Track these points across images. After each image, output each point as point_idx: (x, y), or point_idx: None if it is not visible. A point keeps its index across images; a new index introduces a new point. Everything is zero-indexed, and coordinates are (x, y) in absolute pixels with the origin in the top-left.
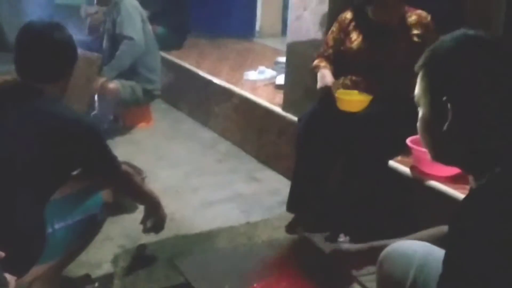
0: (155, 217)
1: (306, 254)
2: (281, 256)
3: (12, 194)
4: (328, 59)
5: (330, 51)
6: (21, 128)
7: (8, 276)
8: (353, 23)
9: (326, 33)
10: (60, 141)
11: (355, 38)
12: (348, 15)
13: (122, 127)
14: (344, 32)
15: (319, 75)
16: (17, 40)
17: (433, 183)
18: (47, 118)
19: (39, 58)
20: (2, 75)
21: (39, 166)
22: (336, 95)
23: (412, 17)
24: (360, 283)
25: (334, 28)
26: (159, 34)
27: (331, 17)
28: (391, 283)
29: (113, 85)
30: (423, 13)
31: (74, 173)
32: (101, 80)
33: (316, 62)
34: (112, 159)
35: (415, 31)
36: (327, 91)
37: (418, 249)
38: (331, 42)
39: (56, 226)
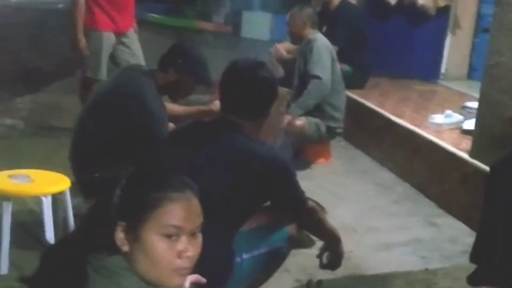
0: (333, 253)
1: None
2: None
3: (207, 223)
4: None
5: None
6: (218, 161)
7: None
8: None
9: None
10: (254, 176)
11: None
12: None
13: (302, 162)
14: None
15: None
16: (224, 76)
17: None
18: (243, 154)
19: (244, 95)
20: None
21: (232, 199)
22: None
23: None
24: None
25: None
26: (344, 72)
27: None
28: None
29: (300, 122)
30: None
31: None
32: (288, 117)
33: None
34: (301, 194)
35: None
36: None
37: None
38: None
39: (244, 257)
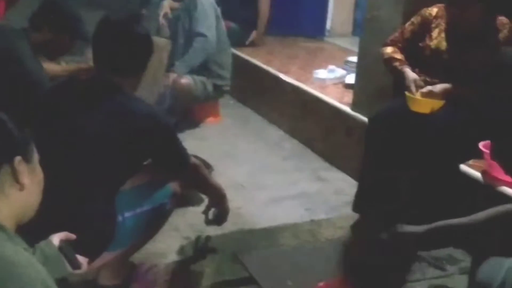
0: (219, 208)
1: (370, 253)
2: (345, 255)
3: (87, 182)
4: (402, 50)
5: (405, 43)
6: (97, 121)
7: (80, 258)
8: (437, 21)
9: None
10: (135, 134)
11: (436, 36)
12: (434, 11)
13: (191, 121)
14: (426, 28)
15: (403, 73)
16: (97, 33)
17: (505, 189)
18: (123, 112)
19: (120, 52)
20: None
21: (112, 158)
22: (408, 94)
23: (494, 23)
24: (430, 263)
25: (415, 20)
26: (230, 30)
27: (406, 17)
28: (480, 283)
29: (185, 80)
30: (504, 19)
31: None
32: (173, 75)
33: (389, 50)
34: (182, 151)
35: (495, 37)
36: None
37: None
38: (408, 34)
39: (126, 215)
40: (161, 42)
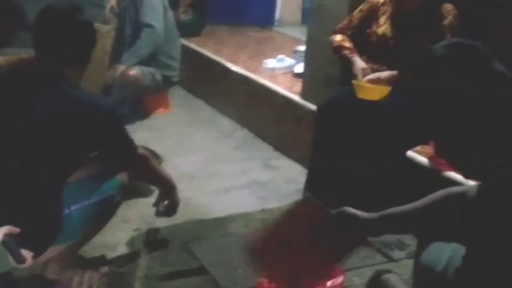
0: (169, 200)
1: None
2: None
3: (31, 176)
4: (350, 38)
5: (354, 31)
6: (42, 112)
7: (25, 252)
8: (384, 7)
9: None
10: (80, 124)
11: (383, 23)
12: None
13: (141, 113)
14: (374, 15)
15: (352, 61)
16: (39, 22)
17: (451, 174)
18: (68, 103)
19: (63, 41)
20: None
21: (58, 150)
22: (355, 82)
23: (438, 9)
24: (378, 250)
25: (363, 7)
26: (182, 21)
27: (353, 6)
28: (424, 267)
29: (133, 71)
30: (448, 5)
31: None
32: (121, 67)
33: (338, 38)
34: (130, 142)
35: (440, 24)
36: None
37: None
38: (356, 22)
39: (73, 208)
40: (104, 29)
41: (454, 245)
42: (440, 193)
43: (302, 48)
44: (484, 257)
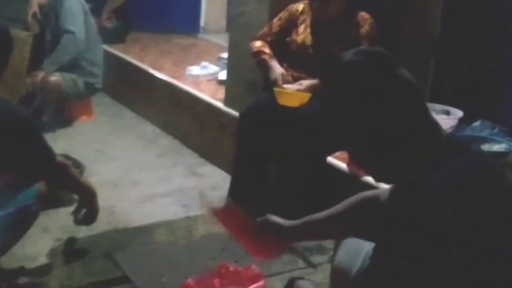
0: (88, 208)
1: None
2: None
3: None
4: (270, 44)
5: (273, 38)
6: None
7: None
8: (303, 16)
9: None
10: None
11: (302, 32)
12: (300, 7)
13: (63, 120)
14: (293, 23)
15: (271, 66)
16: None
17: (368, 178)
18: None
19: None
20: None
21: None
22: (275, 89)
23: (355, 18)
24: (300, 255)
25: (282, 16)
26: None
27: (272, 14)
28: (339, 271)
29: (54, 78)
30: (365, 14)
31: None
32: (41, 73)
33: (258, 44)
34: (47, 150)
35: (356, 32)
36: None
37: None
38: (276, 28)
39: None
40: (22, 35)
41: (368, 249)
42: (354, 197)
43: (226, 55)
44: (387, 257)
